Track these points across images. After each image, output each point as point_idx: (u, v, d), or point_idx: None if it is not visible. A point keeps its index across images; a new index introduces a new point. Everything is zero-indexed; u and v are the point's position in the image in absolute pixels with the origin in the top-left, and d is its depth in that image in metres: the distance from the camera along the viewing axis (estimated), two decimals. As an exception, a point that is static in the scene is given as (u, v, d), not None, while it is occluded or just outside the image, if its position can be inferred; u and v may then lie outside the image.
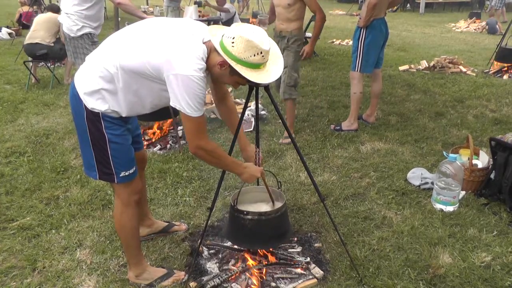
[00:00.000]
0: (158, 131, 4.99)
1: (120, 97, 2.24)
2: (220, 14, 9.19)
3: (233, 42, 2.07)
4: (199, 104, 2.13)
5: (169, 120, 4.98)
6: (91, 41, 4.91)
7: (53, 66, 7.72)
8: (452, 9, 23.29)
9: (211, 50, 2.16)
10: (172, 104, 2.14)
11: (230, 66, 2.11)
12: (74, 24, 4.78)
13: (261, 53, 2.10)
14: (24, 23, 12.89)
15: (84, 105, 2.24)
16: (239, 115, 2.59)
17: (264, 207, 2.72)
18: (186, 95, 2.07)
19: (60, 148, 4.70)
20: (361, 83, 5.14)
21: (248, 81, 2.17)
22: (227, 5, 9.43)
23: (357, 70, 5.04)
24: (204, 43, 2.16)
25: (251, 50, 2.08)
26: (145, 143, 4.73)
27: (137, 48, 2.17)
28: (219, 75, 2.22)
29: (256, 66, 2.12)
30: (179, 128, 4.97)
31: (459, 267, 2.79)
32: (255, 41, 2.07)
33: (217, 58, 2.14)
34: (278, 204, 2.66)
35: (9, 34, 12.08)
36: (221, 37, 2.12)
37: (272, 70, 2.21)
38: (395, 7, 21.80)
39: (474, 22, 16.45)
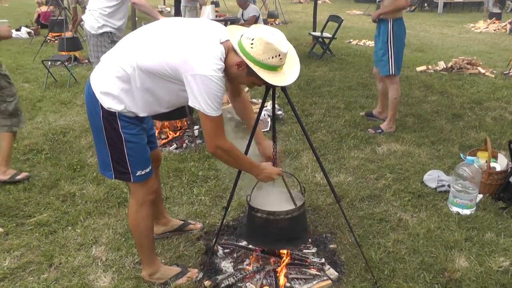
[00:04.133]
0: (172, 132, 5.02)
1: (137, 97, 2.27)
2: (243, 15, 9.15)
3: (252, 44, 2.08)
4: (218, 104, 2.15)
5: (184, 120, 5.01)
6: (111, 40, 4.96)
7: (70, 65, 7.82)
8: (471, 9, 23.01)
9: (229, 50, 2.17)
10: (190, 104, 2.15)
11: (247, 67, 2.13)
12: (96, 22, 4.85)
13: (279, 55, 2.11)
14: (42, 23, 13.07)
15: (100, 104, 2.27)
16: (256, 111, 2.58)
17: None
18: (205, 95, 2.09)
19: (77, 146, 4.76)
20: (399, 86, 5.14)
21: (265, 83, 2.18)
22: (252, 6, 9.37)
23: (393, 73, 4.99)
24: (221, 43, 2.17)
25: (269, 52, 2.09)
26: (161, 142, 4.76)
27: (154, 48, 2.19)
28: (236, 75, 2.23)
29: (273, 68, 2.14)
30: (195, 127, 4.99)
31: (475, 271, 2.77)
32: (274, 43, 2.08)
33: (235, 59, 2.16)
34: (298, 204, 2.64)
35: (28, 33, 12.24)
36: (240, 38, 2.13)
37: (289, 73, 2.22)
38: (413, 7, 21.66)
39: (494, 22, 16.24)
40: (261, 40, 2.08)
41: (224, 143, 2.29)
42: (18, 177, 3.92)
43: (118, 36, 5.06)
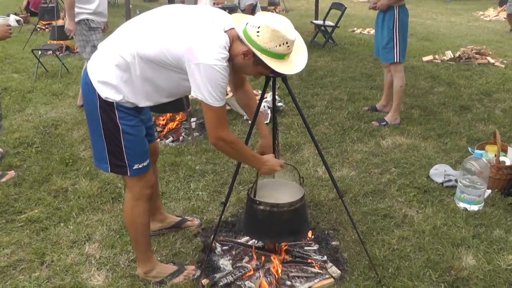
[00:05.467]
0: (171, 123, 5.02)
1: (136, 86, 2.26)
2: (239, 2, 9.11)
3: (258, 32, 2.08)
4: (222, 94, 2.15)
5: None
6: (88, 27, 5.13)
7: (62, 54, 7.80)
8: (481, -4, 22.93)
9: (233, 39, 2.18)
10: (193, 93, 2.15)
11: (254, 56, 2.13)
12: None
13: (286, 43, 2.11)
14: (32, 11, 13.01)
15: (98, 94, 2.26)
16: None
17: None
18: (208, 85, 2.09)
19: (69, 139, 4.76)
20: (404, 74, 5.16)
21: (272, 72, 2.19)
22: None
23: (398, 61, 5.00)
24: (225, 32, 2.17)
25: (276, 40, 2.09)
26: (156, 134, 4.76)
27: (155, 36, 2.19)
28: (242, 65, 2.23)
29: (281, 56, 2.14)
30: (192, 120, 4.99)
31: (483, 269, 2.77)
32: (281, 31, 2.08)
33: (241, 48, 2.16)
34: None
35: (17, 21, 12.18)
36: (245, 26, 2.13)
37: (297, 61, 2.23)
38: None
39: (505, 10, 16.16)
40: (267, 28, 2.07)
41: (227, 134, 2.30)
42: (3, 179, 3.86)
43: (98, 22, 5.19)
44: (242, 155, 2.44)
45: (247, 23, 2.13)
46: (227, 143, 2.30)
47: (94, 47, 5.26)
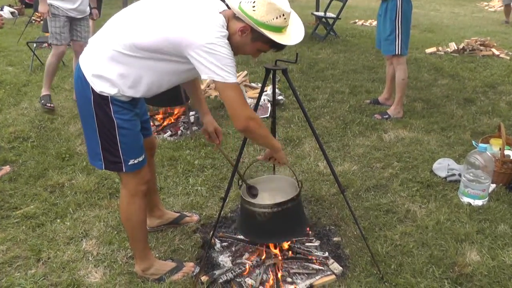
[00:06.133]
0: (169, 117, 5.02)
1: (132, 78, 2.24)
2: None
3: (254, 6, 2.11)
4: (233, 69, 2.14)
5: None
6: (52, 14, 5.10)
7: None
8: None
9: (229, 19, 2.20)
10: (205, 77, 2.13)
11: (252, 31, 2.16)
12: None
13: (283, 15, 2.15)
14: (27, 2, 12.97)
15: (92, 88, 2.25)
16: (254, 96, 2.59)
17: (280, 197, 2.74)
18: (217, 62, 2.09)
19: (65, 134, 4.75)
20: (406, 66, 5.14)
21: (272, 46, 2.22)
22: None
23: (400, 53, 4.98)
24: (220, 13, 2.19)
25: (273, 13, 2.12)
26: (154, 128, 4.76)
27: (151, 25, 2.18)
28: (240, 43, 2.24)
29: (278, 29, 2.17)
30: (191, 113, 4.99)
31: (487, 265, 2.78)
32: (276, 3, 2.12)
33: (237, 25, 2.18)
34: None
35: (12, 13, 12.15)
36: (239, 4, 2.15)
37: (295, 33, 2.26)
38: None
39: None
40: (263, 1, 2.10)
41: (253, 112, 2.26)
42: None
43: (66, 9, 5.13)
44: (268, 134, 2.43)
45: (240, 2, 2.15)
46: (257, 121, 2.25)
47: (56, 34, 5.22)
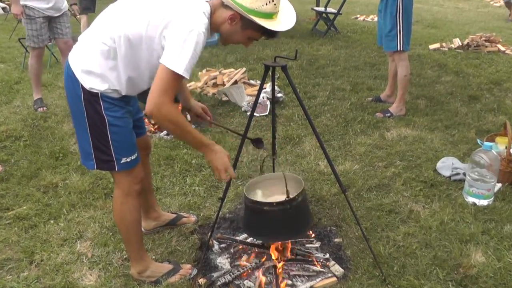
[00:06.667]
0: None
1: (122, 73, 2.25)
2: None
3: None
4: (190, 65, 2.07)
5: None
6: (27, 14, 5.09)
7: (50, 43, 7.75)
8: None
9: (216, 8, 2.21)
10: (161, 60, 2.08)
11: (241, 19, 2.18)
12: None
13: (273, 1, 2.17)
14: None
15: (81, 85, 2.24)
16: (253, 94, 2.59)
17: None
18: (182, 49, 2.05)
19: (59, 132, 4.74)
20: (408, 63, 5.14)
21: (263, 33, 2.23)
22: None
23: (401, 49, 4.98)
24: (206, 1, 2.21)
25: None
26: (151, 128, 4.75)
27: (139, 14, 2.19)
28: (230, 32, 2.25)
29: (269, 16, 2.18)
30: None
31: (493, 267, 2.77)
32: None
33: (226, 13, 2.19)
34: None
35: (3, 8, 12.17)
36: None
37: (286, 19, 2.27)
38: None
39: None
40: None
41: (170, 104, 2.10)
42: None
43: (42, 9, 5.12)
44: (184, 130, 2.24)
45: None
46: (166, 115, 2.10)
47: (33, 37, 5.20)
